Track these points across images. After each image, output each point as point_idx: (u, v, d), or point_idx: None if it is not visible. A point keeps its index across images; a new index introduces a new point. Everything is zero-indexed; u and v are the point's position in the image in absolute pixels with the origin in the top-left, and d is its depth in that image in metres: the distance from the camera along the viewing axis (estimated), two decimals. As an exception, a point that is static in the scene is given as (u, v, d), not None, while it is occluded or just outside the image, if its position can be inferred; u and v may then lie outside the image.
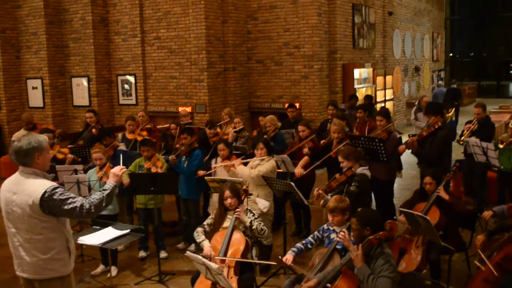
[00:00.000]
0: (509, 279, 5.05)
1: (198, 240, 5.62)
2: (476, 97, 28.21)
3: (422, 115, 11.09)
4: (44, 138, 4.12)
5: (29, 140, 3.98)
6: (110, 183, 4.21)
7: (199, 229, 5.69)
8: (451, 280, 6.11)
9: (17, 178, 4.06)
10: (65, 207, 3.91)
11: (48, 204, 3.89)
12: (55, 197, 3.90)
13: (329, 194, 5.95)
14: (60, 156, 8.29)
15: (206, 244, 5.49)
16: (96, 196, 4.09)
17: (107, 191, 4.14)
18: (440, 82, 20.75)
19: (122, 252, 7.69)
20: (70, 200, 3.94)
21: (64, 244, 4.11)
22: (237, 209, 5.49)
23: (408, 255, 5.92)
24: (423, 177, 6.33)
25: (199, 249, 7.38)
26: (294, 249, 5.34)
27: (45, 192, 3.88)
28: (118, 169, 4.27)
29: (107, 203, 4.12)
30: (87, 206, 3.98)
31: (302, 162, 7.55)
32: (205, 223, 5.77)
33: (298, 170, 7.41)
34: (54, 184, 4.02)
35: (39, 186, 3.93)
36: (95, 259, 7.26)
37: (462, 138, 8.29)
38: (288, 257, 5.20)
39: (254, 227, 5.49)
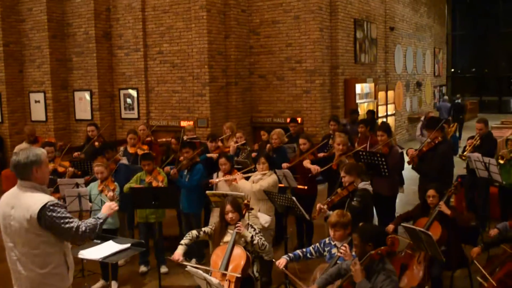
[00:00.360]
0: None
1: (181, 241, 5.56)
2: (478, 113, 28.22)
3: None
4: (42, 151, 4.13)
5: (27, 154, 3.99)
6: (103, 213, 4.31)
7: (194, 232, 5.63)
8: (453, 297, 6.09)
9: (15, 192, 4.06)
10: (63, 225, 3.93)
11: (45, 219, 3.89)
12: (54, 213, 3.90)
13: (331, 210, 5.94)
14: (61, 169, 8.29)
15: (179, 249, 5.46)
16: (91, 220, 4.14)
17: (101, 220, 4.21)
18: (445, 97, 21.31)
19: (123, 266, 7.65)
20: (68, 220, 3.96)
21: (62, 258, 4.10)
22: (238, 224, 5.47)
23: (410, 271, 5.89)
24: (424, 191, 6.32)
25: (200, 263, 7.37)
26: (291, 254, 5.35)
27: (44, 206, 3.88)
28: (112, 205, 4.44)
29: (98, 232, 4.18)
30: (83, 228, 4.02)
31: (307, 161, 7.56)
32: (202, 229, 5.73)
33: (314, 167, 7.40)
34: (54, 199, 4.03)
35: (37, 200, 3.93)
36: (96, 273, 7.22)
37: (465, 153, 8.27)
38: (281, 261, 5.22)
39: (255, 242, 5.46)
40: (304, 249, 5.46)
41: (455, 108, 18.86)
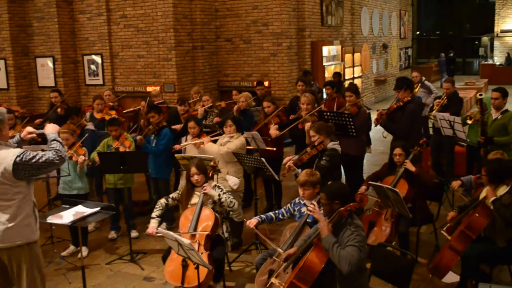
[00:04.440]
0: (472, 248, 5.18)
1: (152, 214, 5.64)
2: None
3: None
4: (3, 109, 4.26)
5: None
6: (50, 134, 4.39)
7: (162, 201, 5.71)
8: (419, 251, 6.25)
9: None
10: (41, 160, 4.06)
11: (23, 167, 4.02)
12: (27, 158, 4.03)
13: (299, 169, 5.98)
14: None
15: (152, 223, 5.57)
16: (52, 145, 4.26)
17: (56, 139, 4.32)
18: (442, 54, 26.38)
19: (93, 232, 7.63)
20: (40, 154, 4.11)
21: (31, 209, 4.22)
22: (204, 185, 5.48)
23: (378, 228, 6.02)
24: (392, 149, 6.41)
25: (170, 227, 7.39)
26: (263, 216, 5.40)
27: (17, 157, 4.01)
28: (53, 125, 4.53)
29: (62, 146, 4.32)
30: (55, 154, 4.16)
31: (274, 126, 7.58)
32: (170, 196, 5.78)
33: (273, 131, 7.43)
34: (20, 149, 4.17)
35: (7, 153, 4.06)
36: (65, 240, 7.17)
37: (433, 112, 8.40)
38: (252, 221, 5.27)
39: (222, 200, 5.49)
40: (276, 211, 5.51)
41: (448, 61, 26.06)
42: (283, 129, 7.45)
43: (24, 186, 4.14)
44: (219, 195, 5.51)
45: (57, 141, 4.30)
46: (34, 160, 4.05)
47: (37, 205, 4.36)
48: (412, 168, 6.00)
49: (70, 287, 6.00)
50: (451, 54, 26.67)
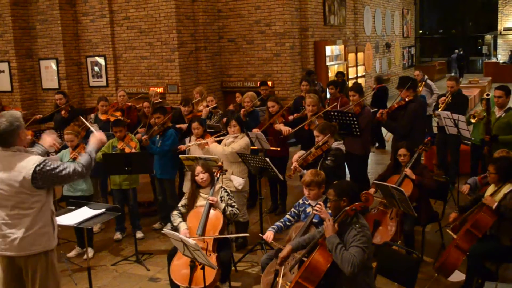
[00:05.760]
0: (478, 246, 5.18)
1: (174, 224, 5.62)
2: (446, 73, 28.55)
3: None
4: (19, 113, 4.17)
5: (9, 120, 3.99)
6: (91, 146, 4.33)
7: (175, 212, 5.69)
8: (425, 250, 6.24)
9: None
10: (60, 174, 4.02)
11: (42, 177, 3.96)
12: (47, 168, 3.97)
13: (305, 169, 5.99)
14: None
15: (182, 227, 5.49)
16: (84, 157, 4.22)
17: (93, 153, 4.28)
18: (456, 50, 29.08)
19: (98, 234, 7.64)
20: (62, 166, 4.05)
21: (49, 218, 4.16)
22: (210, 198, 5.46)
23: (383, 227, 6.02)
24: (396, 149, 6.41)
25: (175, 229, 7.39)
26: (274, 226, 5.37)
27: (37, 166, 3.95)
28: (99, 135, 4.41)
29: (94, 164, 4.27)
30: (79, 168, 4.11)
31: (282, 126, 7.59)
32: (179, 205, 5.76)
33: (285, 128, 7.43)
34: (40, 157, 4.09)
35: (28, 161, 3.99)
36: (71, 241, 7.20)
37: (438, 111, 8.36)
38: (269, 235, 5.24)
39: (227, 213, 5.47)
40: (282, 220, 5.48)
41: (458, 58, 28.35)
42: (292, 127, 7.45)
43: (43, 195, 4.07)
44: (224, 208, 5.48)
45: (90, 155, 4.24)
46: (54, 172, 4.00)
47: (55, 213, 4.28)
48: (412, 176, 6.02)
49: (76, 289, 6.02)
50: (461, 52, 28.93)
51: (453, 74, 27.00)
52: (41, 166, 3.96)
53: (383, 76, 20.32)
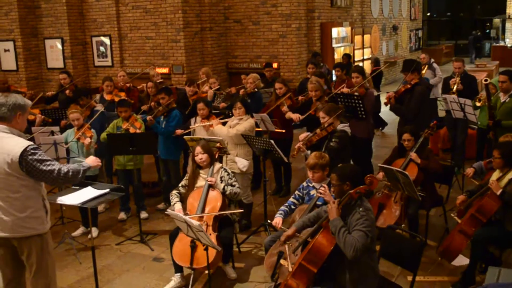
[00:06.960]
0: (482, 231, 5.17)
1: (171, 203, 5.64)
2: (453, 56, 28.27)
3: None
4: (29, 102, 4.19)
5: (16, 97, 4.02)
6: (87, 163, 4.35)
7: (174, 192, 5.72)
8: (428, 234, 6.24)
9: None
10: (43, 167, 3.95)
11: (26, 162, 3.91)
12: (35, 156, 3.93)
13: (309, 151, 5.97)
14: (31, 117, 8.12)
15: (177, 206, 5.54)
16: (75, 165, 4.19)
17: (85, 168, 4.24)
18: (473, 32, 30.55)
19: (103, 213, 7.67)
20: (49, 162, 3.99)
21: (40, 202, 4.14)
22: (209, 178, 5.47)
23: (387, 210, 6.01)
24: (400, 133, 6.37)
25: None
26: (281, 211, 5.36)
27: (25, 149, 3.91)
28: (97, 160, 4.47)
29: (80, 178, 4.24)
30: (65, 170, 4.06)
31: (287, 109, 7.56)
32: (180, 185, 5.78)
33: (296, 115, 7.41)
34: (34, 144, 4.05)
35: (17, 143, 3.95)
36: (75, 221, 7.23)
37: (448, 95, 8.27)
38: (277, 220, 5.22)
39: (227, 193, 5.48)
40: (286, 204, 5.47)
41: (475, 39, 29.34)
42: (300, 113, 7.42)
43: (31, 180, 4.01)
44: (223, 188, 5.50)
45: (81, 168, 4.18)
46: (38, 163, 3.93)
47: (46, 198, 4.24)
48: (418, 160, 5.99)
49: (80, 267, 6.05)
50: (479, 33, 30.40)
51: (471, 55, 28.74)
52: (30, 152, 3.92)
53: (390, 58, 20.20)
